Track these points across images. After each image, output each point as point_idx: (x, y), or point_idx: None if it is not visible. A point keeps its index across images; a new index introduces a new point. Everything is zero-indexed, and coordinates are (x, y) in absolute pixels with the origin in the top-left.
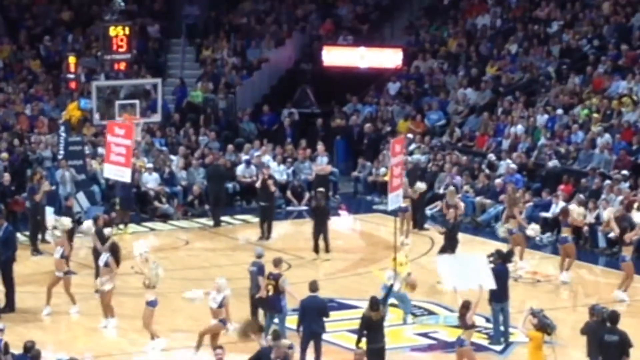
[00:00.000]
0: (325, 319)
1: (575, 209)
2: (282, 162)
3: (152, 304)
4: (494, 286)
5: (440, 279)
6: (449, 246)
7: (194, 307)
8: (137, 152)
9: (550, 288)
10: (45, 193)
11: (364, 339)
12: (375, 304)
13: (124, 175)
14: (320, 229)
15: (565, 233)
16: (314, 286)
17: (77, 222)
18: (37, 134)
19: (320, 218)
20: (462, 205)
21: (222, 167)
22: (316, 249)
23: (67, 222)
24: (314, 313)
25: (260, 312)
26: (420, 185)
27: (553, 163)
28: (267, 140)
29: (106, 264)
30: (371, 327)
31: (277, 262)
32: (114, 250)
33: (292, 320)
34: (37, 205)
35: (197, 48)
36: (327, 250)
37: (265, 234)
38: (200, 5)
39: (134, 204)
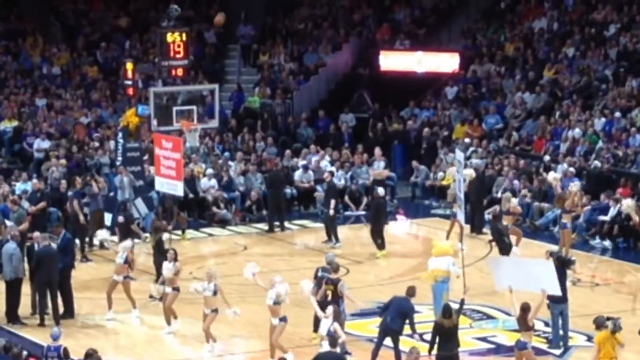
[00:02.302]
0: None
1: None
2: (340, 167)
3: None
4: (558, 292)
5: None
6: (501, 250)
7: (252, 312)
8: (195, 157)
9: (609, 291)
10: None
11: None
12: (448, 311)
13: (176, 188)
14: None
15: None
16: (411, 291)
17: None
18: (95, 141)
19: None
20: (518, 209)
21: (282, 173)
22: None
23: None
24: (397, 311)
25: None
26: (468, 171)
27: (595, 165)
28: (324, 145)
29: (176, 273)
30: (443, 334)
31: (335, 267)
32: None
33: (352, 325)
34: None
35: (254, 54)
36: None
37: (332, 239)
38: (254, 25)
39: (177, 210)
